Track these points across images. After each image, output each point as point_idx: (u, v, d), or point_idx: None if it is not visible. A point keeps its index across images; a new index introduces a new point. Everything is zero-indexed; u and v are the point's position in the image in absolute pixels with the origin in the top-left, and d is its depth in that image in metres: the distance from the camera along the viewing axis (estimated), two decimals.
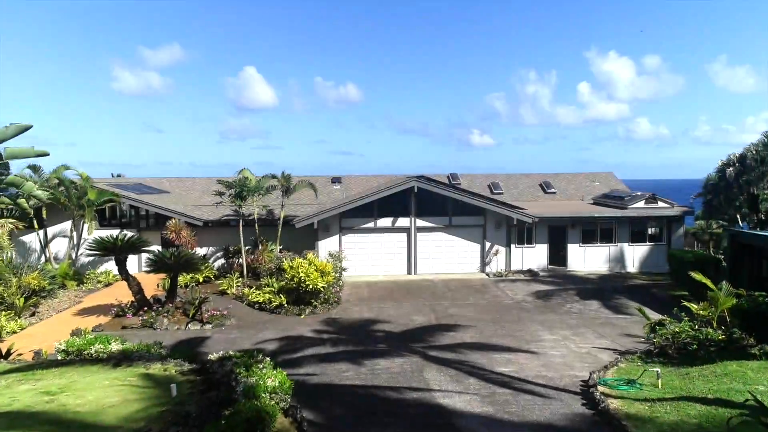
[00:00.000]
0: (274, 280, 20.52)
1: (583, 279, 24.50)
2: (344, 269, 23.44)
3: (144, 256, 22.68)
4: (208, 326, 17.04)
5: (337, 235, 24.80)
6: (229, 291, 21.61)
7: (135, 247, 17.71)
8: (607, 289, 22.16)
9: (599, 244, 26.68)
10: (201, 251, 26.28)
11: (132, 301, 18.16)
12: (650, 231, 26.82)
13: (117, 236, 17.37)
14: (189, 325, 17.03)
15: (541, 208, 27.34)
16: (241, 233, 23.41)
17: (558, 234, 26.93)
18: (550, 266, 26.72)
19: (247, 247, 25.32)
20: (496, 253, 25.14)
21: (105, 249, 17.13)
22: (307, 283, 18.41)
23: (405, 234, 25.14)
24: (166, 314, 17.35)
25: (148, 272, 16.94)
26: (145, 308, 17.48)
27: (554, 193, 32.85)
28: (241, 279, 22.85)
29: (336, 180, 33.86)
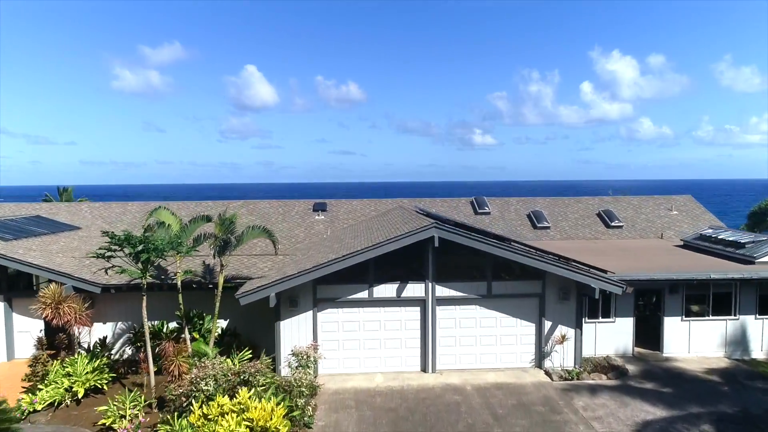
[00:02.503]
0: (185, 422, 11.37)
1: (702, 381, 15.36)
2: (318, 386, 14.08)
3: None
4: None
5: (311, 311, 15.59)
6: (116, 427, 12.51)
7: None
8: (757, 414, 13.06)
9: (710, 318, 17.52)
10: (102, 330, 17.17)
11: None
12: None
13: None
14: None
15: (614, 259, 18.23)
16: (145, 314, 13.90)
17: (648, 301, 17.83)
18: (636, 349, 17.59)
19: (173, 324, 16.29)
20: (562, 340, 15.89)
21: None
22: None
23: (418, 308, 15.94)
24: None
25: None
26: None
27: (620, 227, 23.72)
28: (145, 392, 13.77)
29: (319, 207, 24.75)
